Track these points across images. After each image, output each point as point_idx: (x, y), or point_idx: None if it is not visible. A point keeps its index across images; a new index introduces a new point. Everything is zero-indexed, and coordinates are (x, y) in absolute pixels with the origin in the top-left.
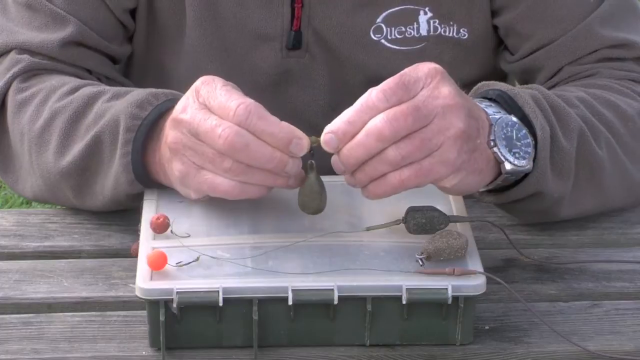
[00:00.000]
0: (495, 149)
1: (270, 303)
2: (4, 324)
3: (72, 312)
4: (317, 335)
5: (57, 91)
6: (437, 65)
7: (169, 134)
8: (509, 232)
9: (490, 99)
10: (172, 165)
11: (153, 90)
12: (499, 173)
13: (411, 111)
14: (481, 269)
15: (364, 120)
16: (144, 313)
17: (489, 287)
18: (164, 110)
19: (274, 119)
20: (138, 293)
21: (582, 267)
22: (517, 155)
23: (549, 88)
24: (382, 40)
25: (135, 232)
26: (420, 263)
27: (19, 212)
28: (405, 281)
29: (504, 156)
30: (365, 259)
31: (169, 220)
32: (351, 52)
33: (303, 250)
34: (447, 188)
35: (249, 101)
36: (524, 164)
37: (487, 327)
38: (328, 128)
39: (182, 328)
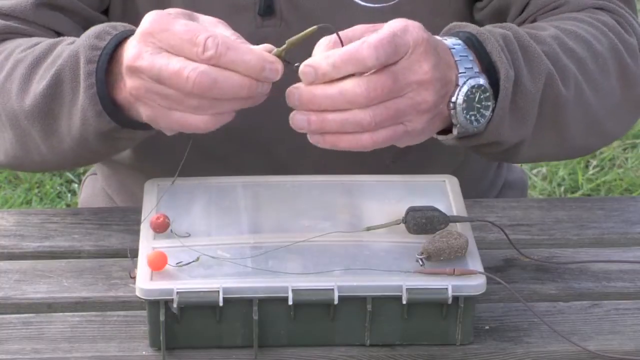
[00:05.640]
0: (452, 112)
1: (270, 303)
2: (4, 324)
3: (72, 312)
4: (317, 335)
5: (22, 46)
6: (424, 33)
7: (127, 82)
8: (509, 232)
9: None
10: (139, 110)
11: (111, 22)
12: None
13: (389, 83)
14: (481, 269)
15: (347, 70)
16: (144, 313)
17: (489, 287)
18: (122, 39)
19: (244, 47)
20: (138, 293)
21: (582, 267)
22: (471, 119)
23: (520, 24)
24: None
25: (136, 232)
26: (420, 263)
27: (19, 212)
28: (405, 281)
29: (457, 120)
30: (365, 259)
31: (169, 220)
32: (325, 14)
33: (303, 250)
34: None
35: (214, 32)
36: (475, 127)
37: (487, 327)
38: (310, 61)
39: (182, 328)
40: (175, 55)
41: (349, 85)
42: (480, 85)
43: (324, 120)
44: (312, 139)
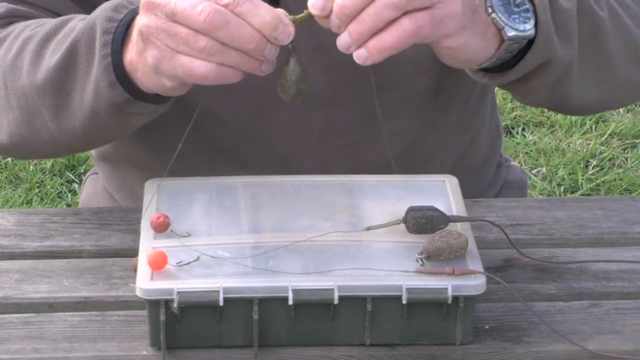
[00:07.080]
0: (493, 15)
1: (271, 303)
2: (5, 324)
3: (72, 312)
4: (317, 335)
5: (31, 25)
6: None
7: (141, 19)
8: (509, 232)
9: None
10: (145, 53)
11: None
12: (501, 43)
13: None
14: (481, 269)
15: None
16: (144, 313)
17: (489, 287)
18: (137, 14)
19: (263, 2)
20: (138, 293)
21: (582, 267)
22: (516, 20)
23: None
24: None
25: (136, 232)
26: (420, 263)
27: (19, 212)
28: (405, 281)
29: (503, 22)
30: (365, 259)
31: (169, 219)
32: None
33: (303, 250)
34: (454, 49)
35: None
36: (526, 27)
37: (487, 327)
38: None
39: (182, 328)
40: None
41: None
42: None
43: (360, 20)
44: (359, 58)
